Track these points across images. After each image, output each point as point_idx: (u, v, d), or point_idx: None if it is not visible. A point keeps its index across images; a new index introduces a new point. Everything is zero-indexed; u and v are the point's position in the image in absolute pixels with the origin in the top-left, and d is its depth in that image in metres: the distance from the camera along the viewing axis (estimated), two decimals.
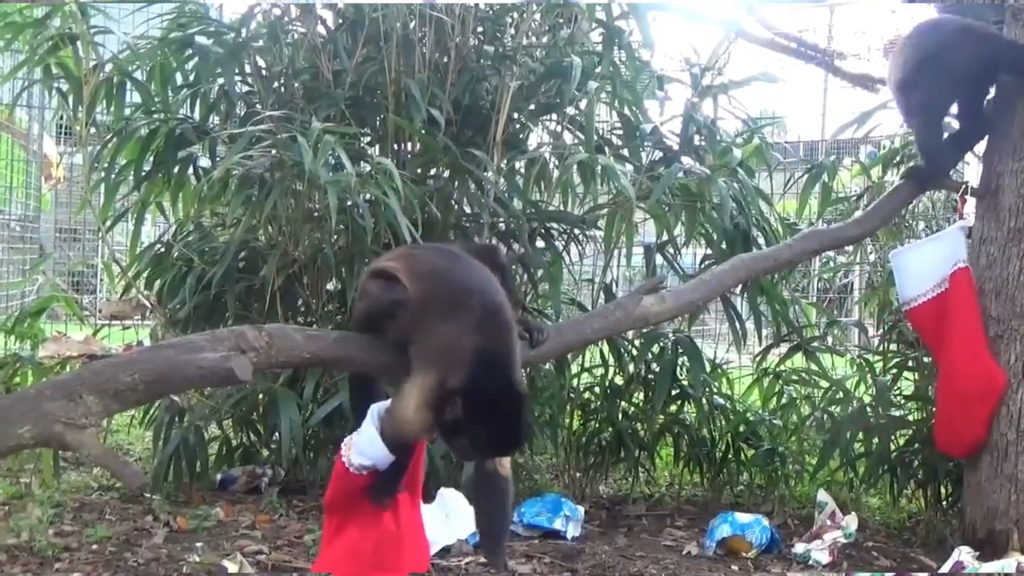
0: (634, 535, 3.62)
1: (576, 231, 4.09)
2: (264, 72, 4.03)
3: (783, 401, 4.20)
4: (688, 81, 4.11)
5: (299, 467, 3.87)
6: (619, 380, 4.09)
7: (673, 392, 4.04)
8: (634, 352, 4.00)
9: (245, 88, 4.09)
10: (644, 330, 3.80)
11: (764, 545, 3.40)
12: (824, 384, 4.14)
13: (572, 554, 3.28)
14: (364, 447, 2.20)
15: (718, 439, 4.09)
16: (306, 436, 3.74)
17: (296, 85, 3.96)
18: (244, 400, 3.81)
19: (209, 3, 4.37)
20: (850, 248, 4.39)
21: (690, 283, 3.03)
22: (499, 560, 2.22)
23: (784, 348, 4.22)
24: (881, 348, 4.22)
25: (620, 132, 4.19)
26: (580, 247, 4.20)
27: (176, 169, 3.94)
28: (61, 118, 6.18)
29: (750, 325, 4.18)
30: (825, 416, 4.03)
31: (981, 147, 3.43)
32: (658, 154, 4.08)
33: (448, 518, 3.27)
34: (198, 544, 3.15)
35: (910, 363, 4.05)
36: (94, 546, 3.12)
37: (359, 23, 3.86)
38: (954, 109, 3.43)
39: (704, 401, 4.04)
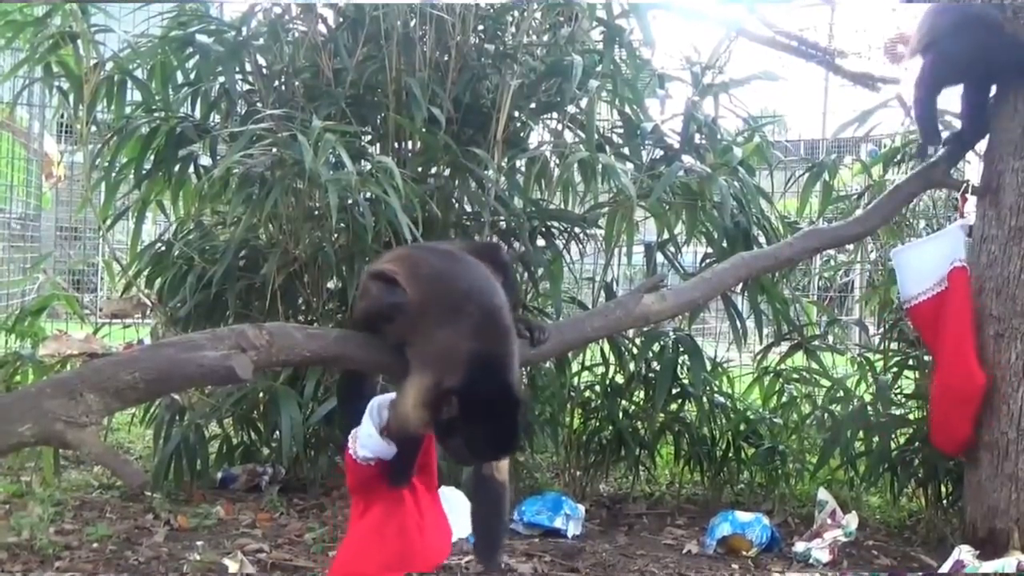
0: (635, 534, 3.62)
1: (577, 229, 4.09)
2: (265, 70, 4.03)
3: (784, 400, 4.20)
4: (689, 79, 4.11)
5: (300, 465, 3.87)
6: (620, 379, 4.09)
7: (674, 391, 4.04)
8: (635, 351, 4.00)
9: (246, 86, 4.09)
10: (645, 328, 3.79)
11: (764, 544, 3.40)
12: (825, 383, 4.14)
13: (573, 553, 3.28)
14: (364, 440, 2.25)
15: (719, 438, 4.09)
16: (307, 434, 3.74)
17: (297, 83, 3.96)
18: (245, 398, 3.81)
19: (209, 1, 4.37)
20: (851, 247, 4.39)
21: (691, 282, 3.03)
22: (493, 564, 2.24)
23: (785, 347, 4.22)
24: (882, 347, 4.22)
25: (621, 131, 4.20)
26: (581, 246, 4.20)
27: (177, 167, 3.94)
28: (62, 116, 6.17)
29: (751, 324, 4.18)
30: (826, 415, 4.03)
31: (982, 146, 3.43)
32: (659, 153, 4.08)
33: (449, 516, 3.26)
34: (199, 542, 3.16)
35: (911, 362, 4.05)
36: (95, 544, 3.12)
37: (360, 22, 3.86)
38: (956, 108, 3.44)
39: (705, 400, 4.04)
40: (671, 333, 4.00)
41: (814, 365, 4.13)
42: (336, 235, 3.73)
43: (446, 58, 3.85)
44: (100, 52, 3.90)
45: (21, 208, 7.25)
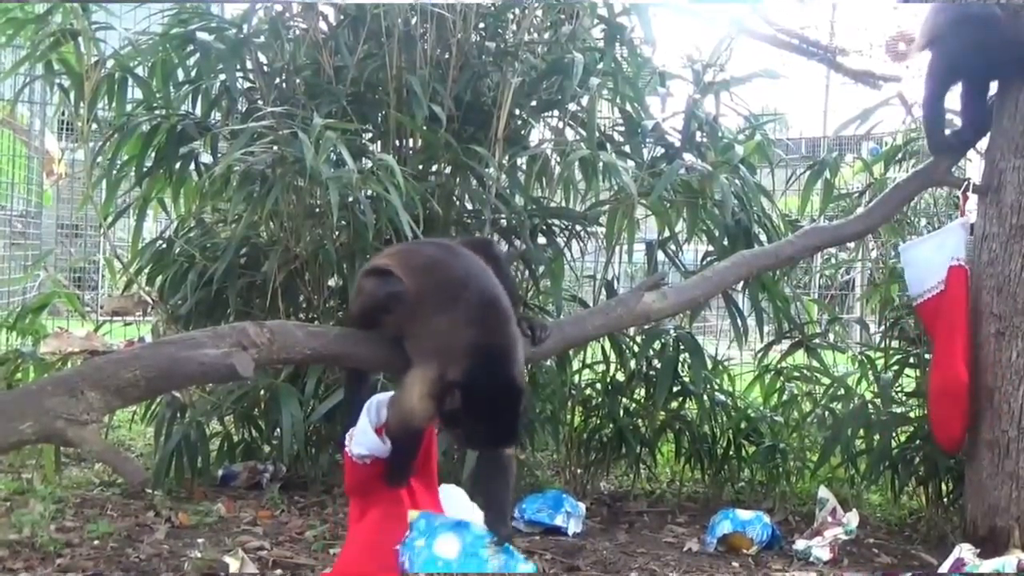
0: (635, 531, 3.62)
1: (578, 227, 4.10)
2: (265, 68, 4.03)
3: (784, 398, 4.20)
4: (690, 77, 4.11)
5: (300, 463, 3.87)
6: (620, 376, 4.09)
7: (674, 388, 4.04)
8: (635, 348, 4.00)
9: (247, 84, 4.09)
10: (646, 327, 3.79)
11: (765, 542, 3.39)
12: (825, 381, 4.14)
13: (573, 551, 3.28)
14: (360, 438, 2.27)
15: (719, 436, 4.09)
16: (307, 432, 3.74)
17: (297, 81, 3.96)
18: (245, 396, 3.81)
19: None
20: (852, 245, 4.38)
21: (691, 280, 3.03)
22: (504, 530, 2.26)
23: (786, 345, 4.22)
24: (883, 345, 4.21)
25: (622, 128, 4.19)
26: (582, 243, 4.20)
27: (178, 165, 3.94)
28: (63, 114, 6.18)
29: (752, 322, 4.18)
30: (826, 413, 4.03)
31: (983, 144, 3.43)
32: (660, 150, 4.08)
33: (448, 514, 3.27)
34: (199, 540, 3.16)
35: (911, 360, 4.05)
36: (95, 542, 3.12)
37: (361, 19, 3.86)
38: (957, 107, 3.44)
39: (705, 398, 4.04)
40: (672, 331, 4.00)
41: (815, 363, 4.13)
42: (337, 233, 3.73)
43: (447, 56, 3.85)
44: (101, 49, 3.90)
45: (22, 205, 7.26)
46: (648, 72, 4.14)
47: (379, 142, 3.98)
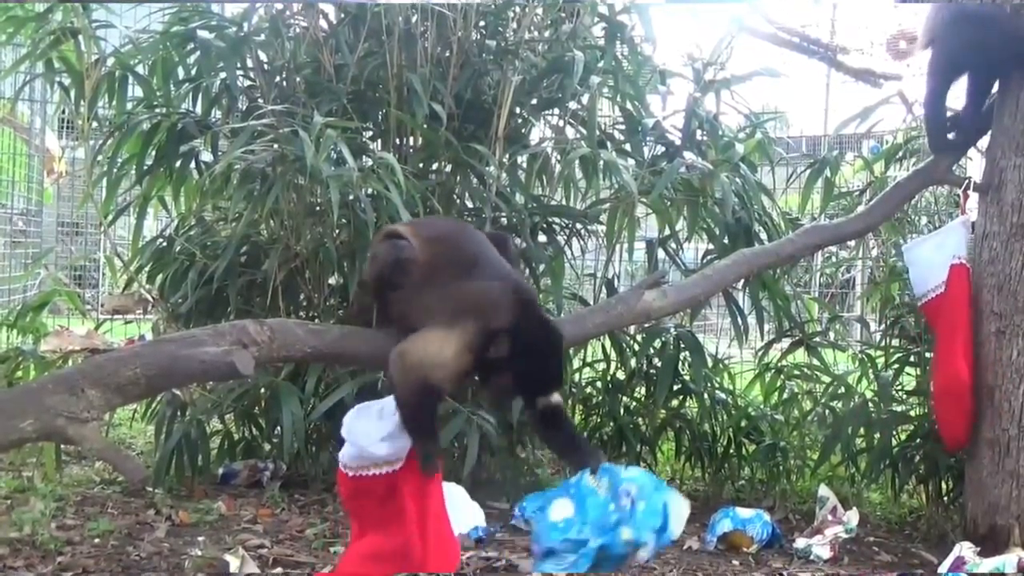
0: None
1: (578, 226, 4.10)
2: (266, 66, 4.03)
3: (785, 396, 4.20)
4: (690, 76, 4.11)
5: (301, 461, 3.87)
6: (621, 375, 4.10)
7: (675, 387, 4.05)
8: (636, 347, 4.01)
9: (247, 82, 4.09)
10: (646, 325, 3.79)
11: (765, 540, 3.39)
12: (826, 379, 4.14)
13: None
14: (377, 442, 2.25)
15: (719, 434, 4.10)
16: (308, 430, 3.74)
17: (298, 80, 3.96)
18: (246, 394, 3.81)
19: None
20: (852, 243, 4.38)
21: (692, 278, 3.03)
22: (595, 459, 2.32)
23: (786, 343, 4.23)
24: (883, 343, 4.21)
25: (622, 127, 4.19)
26: (582, 242, 4.21)
27: (178, 163, 3.94)
28: (63, 112, 6.18)
29: (752, 320, 4.18)
30: (827, 411, 4.03)
31: (984, 142, 3.42)
32: (660, 149, 4.08)
33: (450, 513, 3.26)
34: (200, 538, 3.15)
35: (912, 358, 4.05)
36: (96, 540, 3.12)
37: (361, 17, 3.86)
38: (957, 105, 3.44)
39: (706, 396, 4.04)
40: (672, 329, 4.00)
41: (815, 362, 4.13)
42: (337, 231, 3.73)
43: (447, 54, 3.85)
44: (101, 48, 3.90)
45: (22, 204, 7.26)
46: (648, 70, 4.14)
47: (379, 140, 3.98)
